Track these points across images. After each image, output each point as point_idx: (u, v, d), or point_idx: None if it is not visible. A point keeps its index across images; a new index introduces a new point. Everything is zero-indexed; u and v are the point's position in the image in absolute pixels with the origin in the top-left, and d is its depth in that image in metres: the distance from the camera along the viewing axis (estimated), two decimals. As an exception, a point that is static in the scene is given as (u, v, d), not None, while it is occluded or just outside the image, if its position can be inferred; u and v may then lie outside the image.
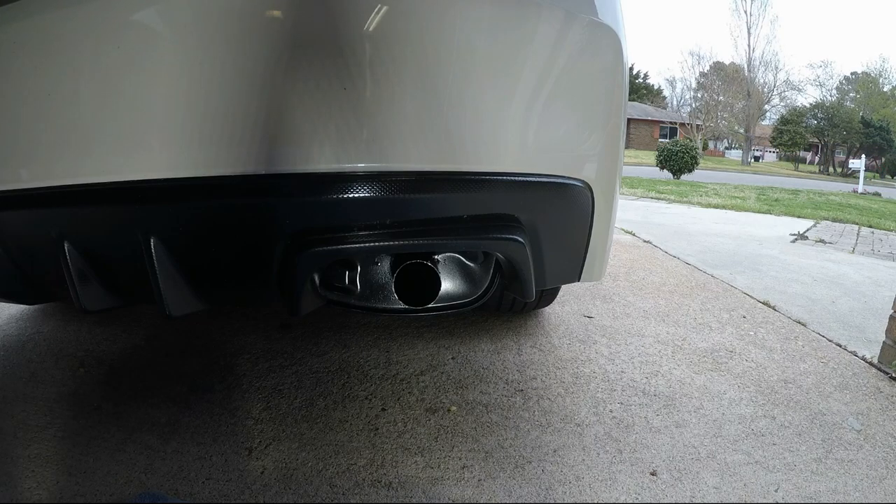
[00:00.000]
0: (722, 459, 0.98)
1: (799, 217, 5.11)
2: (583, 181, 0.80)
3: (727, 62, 34.35)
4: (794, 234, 3.87)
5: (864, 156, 14.35)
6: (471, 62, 0.66)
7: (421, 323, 1.54)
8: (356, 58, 0.62)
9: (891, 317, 1.45)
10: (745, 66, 32.20)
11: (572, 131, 0.77)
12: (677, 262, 2.62)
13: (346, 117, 0.63)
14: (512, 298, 1.42)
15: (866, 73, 33.66)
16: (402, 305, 0.79)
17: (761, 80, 32.88)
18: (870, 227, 4.80)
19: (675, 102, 38.84)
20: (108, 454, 0.91)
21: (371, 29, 0.61)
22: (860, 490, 0.92)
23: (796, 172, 28.15)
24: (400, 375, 1.23)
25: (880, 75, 33.04)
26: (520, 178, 0.73)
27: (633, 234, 3.36)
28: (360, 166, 0.65)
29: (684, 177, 11.23)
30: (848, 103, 32.93)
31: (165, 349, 1.33)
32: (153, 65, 0.61)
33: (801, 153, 34.27)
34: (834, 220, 5.02)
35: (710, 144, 36.40)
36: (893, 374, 1.39)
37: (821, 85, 36.79)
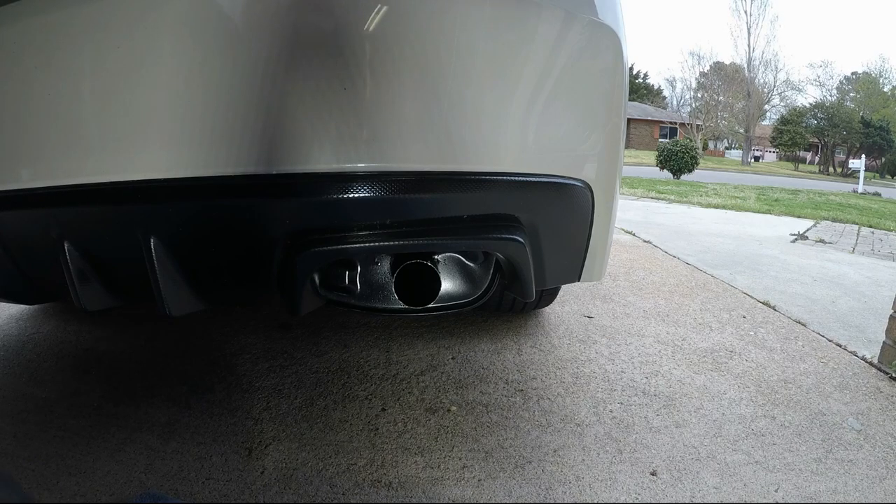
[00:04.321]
0: (722, 459, 0.98)
1: (799, 217, 5.11)
2: (583, 181, 0.80)
3: (727, 62, 34.38)
4: (794, 234, 3.87)
5: (864, 156, 14.34)
6: (471, 62, 0.66)
7: (421, 323, 1.54)
8: (356, 58, 0.62)
9: (891, 317, 1.45)
10: (745, 66, 32.20)
11: (572, 131, 0.77)
12: (677, 262, 2.62)
13: (346, 117, 0.63)
14: (512, 298, 1.42)
15: (866, 73, 33.66)
16: (402, 305, 0.79)
17: (761, 80, 32.90)
18: (870, 227, 4.80)
19: (675, 102, 38.89)
20: (108, 454, 0.91)
21: (371, 29, 0.61)
22: (860, 490, 0.92)
23: (796, 172, 28.14)
24: (400, 375, 1.23)
25: (880, 75, 33.06)
26: (520, 178, 0.73)
27: (633, 234, 3.36)
28: (360, 166, 0.65)
29: (684, 177, 11.23)
30: (848, 103, 32.93)
31: (165, 349, 1.33)
32: (153, 65, 0.61)
33: (801, 153, 34.27)
34: (834, 220, 5.02)
35: (710, 144, 36.41)
36: (893, 374, 1.39)
37: (821, 85, 36.82)
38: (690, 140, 16.01)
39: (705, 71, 34.91)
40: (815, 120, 32.20)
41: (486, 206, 0.73)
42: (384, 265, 0.81)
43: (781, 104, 34.49)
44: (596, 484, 0.90)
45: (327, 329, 1.47)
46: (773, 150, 35.29)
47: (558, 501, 0.85)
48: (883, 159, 29.15)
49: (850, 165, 25.24)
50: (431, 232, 0.71)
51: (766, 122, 36.04)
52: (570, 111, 0.76)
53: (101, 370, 1.22)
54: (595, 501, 0.86)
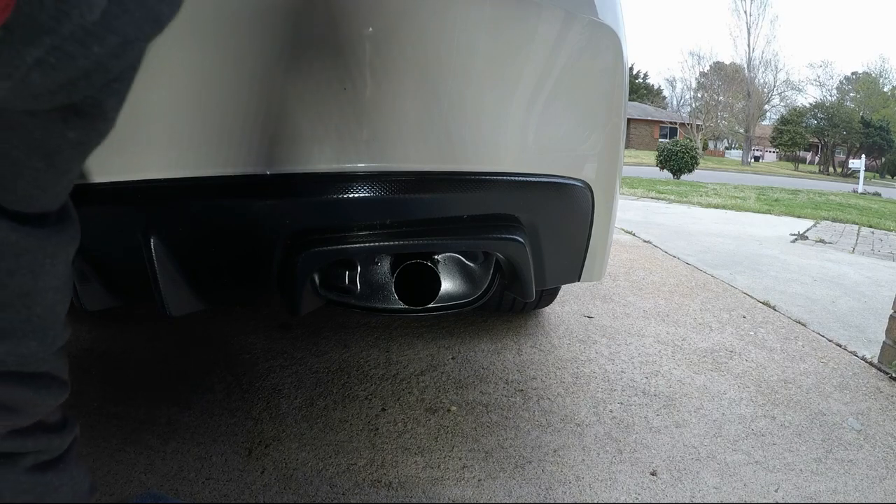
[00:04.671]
0: (722, 459, 0.98)
1: (799, 217, 5.11)
2: (583, 181, 0.80)
3: (727, 62, 34.45)
4: (794, 234, 3.87)
5: (864, 156, 14.36)
6: (471, 62, 0.66)
7: (421, 323, 1.54)
8: (356, 58, 0.62)
9: (891, 317, 1.45)
10: (745, 66, 32.23)
11: (572, 131, 0.77)
12: (677, 262, 2.62)
13: (346, 117, 0.63)
14: (512, 298, 1.42)
15: (866, 73, 33.71)
16: (402, 305, 0.79)
17: (761, 80, 32.94)
18: (870, 227, 4.80)
19: (675, 102, 38.95)
20: (108, 454, 0.91)
21: (371, 29, 0.61)
22: (860, 490, 0.92)
23: (796, 172, 28.17)
24: (400, 375, 1.23)
25: (880, 75, 33.11)
26: (520, 178, 0.73)
27: (633, 234, 3.36)
28: (360, 166, 0.65)
29: (684, 177, 11.24)
30: (848, 103, 32.98)
31: (165, 349, 1.33)
32: (153, 65, 0.61)
33: (801, 153, 34.31)
34: (834, 220, 5.03)
35: (710, 144, 36.45)
36: (893, 374, 1.39)
37: (821, 85, 36.83)
38: (690, 140, 16.02)
39: (705, 71, 34.98)
40: (815, 120, 32.25)
41: (486, 206, 0.73)
42: (384, 265, 0.81)
43: (781, 104, 34.59)
44: (596, 484, 0.90)
45: (327, 329, 1.47)
46: (773, 150, 35.32)
47: (558, 501, 0.85)
48: (883, 159, 29.18)
49: (850, 165, 25.27)
50: (431, 232, 0.71)
51: (766, 122, 36.10)
52: (570, 111, 0.76)
53: (101, 370, 1.21)
54: (595, 501, 0.86)
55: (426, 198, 0.69)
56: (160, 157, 0.64)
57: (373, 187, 0.66)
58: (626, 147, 1.22)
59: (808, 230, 4.19)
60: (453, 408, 1.11)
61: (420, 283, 0.77)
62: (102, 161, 0.64)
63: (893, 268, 2.91)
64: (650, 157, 16.79)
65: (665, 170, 11.55)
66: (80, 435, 0.51)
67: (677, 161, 11.20)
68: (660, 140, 28.51)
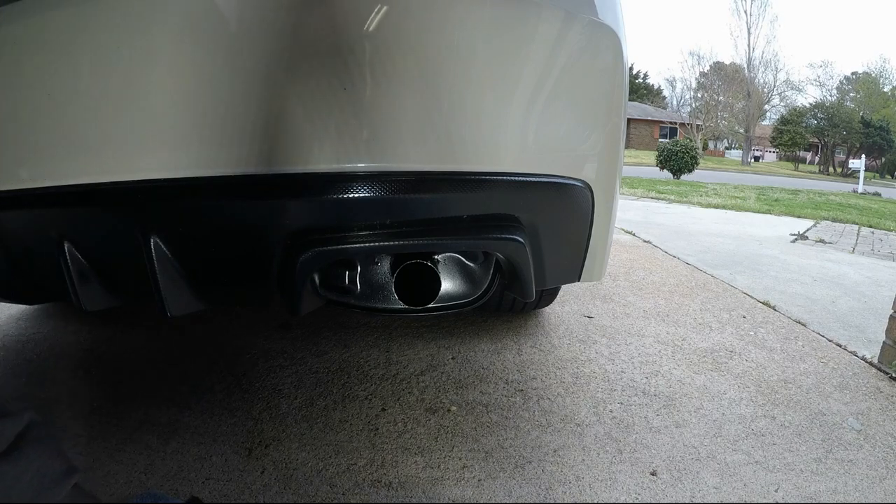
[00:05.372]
0: (722, 459, 0.98)
1: (799, 217, 5.11)
2: (583, 181, 0.80)
3: (727, 62, 34.45)
4: (794, 234, 3.87)
5: (864, 156, 14.36)
6: (471, 62, 0.66)
7: (421, 323, 1.54)
8: (356, 58, 0.62)
9: (891, 317, 1.45)
10: (745, 66, 32.24)
11: (572, 131, 0.77)
12: (677, 262, 2.62)
13: (346, 117, 0.63)
14: (512, 298, 1.42)
15: (866, 73, 33.70)
16: (402, 305, 0.78)
17: (761, 80, 32.94)
18: (870, 227, 4.80)
19: (675, 102, 38.95)
20: (108, 454, 0.91)
21: (371, 29, 0.61)
22: (860, 490, 0.92)
23: (796, 172, 28.17)
24: (400, 375, 1.23)
25: (880, 75, 33.10)
26: (520, 178, 0.73)
27: (633, 234, 3.36)
28: (360, 166, 0.65)
29: (684, 177, 11.23)
30: (848, 103, 32.97)
31: (165, 349, 1.33)
32: (153, 65, 0.61)
33: (801, 153, 34.32)
34: (834, 220, 5.03)
35: (710, 144, 36.45)
36: (893, 374, 1.39)
37: (821, 85, 36.85)
38: (690, 140, 16.01)
39: (705, 71, 34.98)
40: (815, 120, 32.25)
41: (486, 206, 0.73)
42: (384, 265, 0.81)
43: (781, 104, 34.59)
44: (596, 484, 0.90)
45: (327, 329, 1.47)
46: (773, 150, 35.32)
47: (558, 501, 0.85)
48: (883, 159, 29.19)
49: (850, 165, 25.26)
50: (431, 232, 0.71)
51: (766, 122, 36.10)
52: (570, 111, 0.76)
53: (101, 370, 1.22)
54: (595, 501, 0.86)
55: (426, 198, 0.69)
56: (160, 157, 0.64)
57: (373, 187, 0.65)
58: (626, 147, 1.22)
59: (808, 230, 4.19)
60: (453, 408, 1.11)
61: (420, 283, 0.77)
62: (103, 161, 0.64)
63: (893, 268, 2.91)
64: (650, 157, 16.79)
65: (665, 170, 11.54)
66: (36, 421, 0.51)
67: (677, 161, 11.20)
68: (660, 140, 28.51)
